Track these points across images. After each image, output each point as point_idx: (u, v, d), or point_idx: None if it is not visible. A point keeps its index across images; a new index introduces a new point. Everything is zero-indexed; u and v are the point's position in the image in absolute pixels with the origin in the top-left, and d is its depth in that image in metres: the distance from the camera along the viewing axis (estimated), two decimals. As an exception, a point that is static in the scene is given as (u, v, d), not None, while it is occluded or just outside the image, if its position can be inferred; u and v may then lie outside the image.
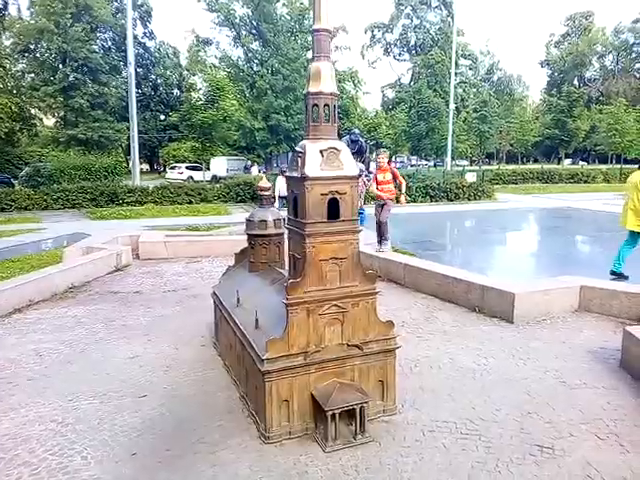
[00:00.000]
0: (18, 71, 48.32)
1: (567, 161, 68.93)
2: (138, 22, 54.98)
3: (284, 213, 4.35)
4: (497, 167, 54.20)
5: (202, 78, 45.97)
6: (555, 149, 65.03)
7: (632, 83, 70.03)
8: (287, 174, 4.04)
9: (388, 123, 56.09)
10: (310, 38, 3.95)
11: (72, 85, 44.45)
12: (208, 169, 37.64)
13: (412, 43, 68.30)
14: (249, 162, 47.07)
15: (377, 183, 9.41)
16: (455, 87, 47.97)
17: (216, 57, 53.39)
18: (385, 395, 4.03)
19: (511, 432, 3.79)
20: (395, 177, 9.58)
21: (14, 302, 6.90)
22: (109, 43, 52.58)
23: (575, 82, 75.62)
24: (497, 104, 56.18)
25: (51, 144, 45.21)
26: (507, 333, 5.92)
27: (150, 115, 55.68)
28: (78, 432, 3.83)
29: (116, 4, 50.86)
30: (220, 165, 40.39)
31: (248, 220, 5.22)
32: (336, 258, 3.74)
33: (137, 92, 38.14)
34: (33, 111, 48.62)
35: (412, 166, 62.01)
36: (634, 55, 72.48)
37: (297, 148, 3.85)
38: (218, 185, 25.95)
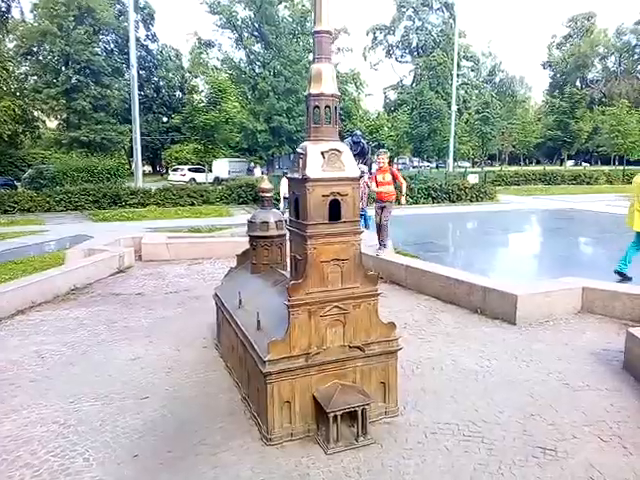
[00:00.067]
0: (21, 73, 48.45)
1: (569, 162, 68.78)
2: (140, 25, 55.13)
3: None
4: (499, 168, 54.14)
5: (204, 80, 46.11)
6: (557, 150, 64.85)
7: (634, 84, 69.89)
8: (288, 175, 4.04)
9: (390, 125, 56.04)
10: (312, 40, 3.95)
11: (75, 87, 44.56)
12: (210, 171, 37.67)
13: (414, 45, 68.30)
14: (252, 164, 47.12)
15: (377, 184, 9.36)
16: (457, 89, 47.92)
17: (218, 59, 53.47)
18: (387, 397, 4.03)
19: (514, 434, 3.77)
20: (395, 178, 9.49)
21: (16, 304, 6.91)
22: (112, 46, 52.70)
23: (577, 83, 75.46)
24: (499, 105, 56.15)
25: (54, 146, 45.32)
26: (509, 335, 5.91)
27: (152, 117, 55.77)
28: (80, 434, 3.83)
29: (119, 7, 50.97)
30: (222, 167, 40.41)
31: (250, 222, 5.22)
32: (338, 259, 3.74)
33: (139, 94, 38.19)
34: (36, 113, 48.76)
35: (414, 168, 62.01)
36: (636, 56, 72.33)
37: (298, 149, 3.86)
38: (220, 187, 25.97)
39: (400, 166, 61.62)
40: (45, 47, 45.88)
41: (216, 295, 5.46)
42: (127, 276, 9.18)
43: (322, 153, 3.70)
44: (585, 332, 5.94)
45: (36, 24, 45.01)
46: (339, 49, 57.14)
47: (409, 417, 4.04)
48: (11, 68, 43.93)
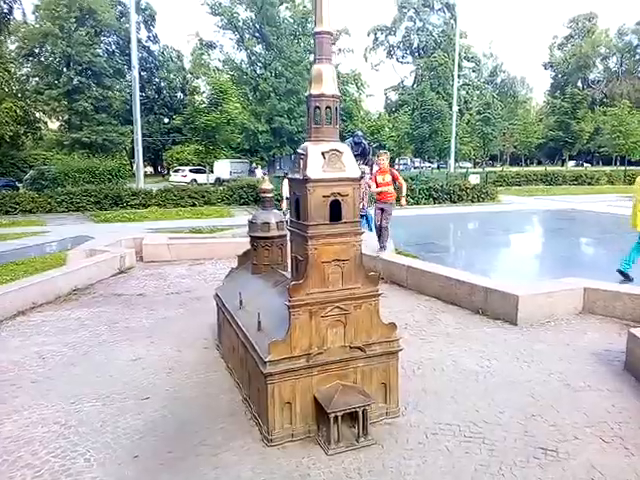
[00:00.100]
0: (23, 75, 48.60)
1: (571, 163, 68.75)
2: (142, 26, 55.28)
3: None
4: (501, 169, 54.12)
5: (205, 81, 46.23)
6: (559, 151, 64.83)
7: (636, 85, 69.83)
8: (289, 176, 4.04)
9: (391, 125, 56.13)
10: (313, 41, 3.95)
11: (76, 89, 44.66)
12: (211, 172, 37.74)
13: (415, 46, 68.32)
14: (254, 165, 47.18)
15: (376, 185, 9.30)
16: (458, 89, 47.92)
17: (219, 60, 53.53)
18: (388, 397, 4.02)
19: (515, 435, 3.77)
20: (395, 179, 9.41)
21: (18, 305, 6.92)
22: (113, 47, 52.85)
23: (579, 84, 75.43)
24: (500, 106, 56.19)
25: (55, 147, 45.44)
26: (511, 335, 5.90)
27: (154, 118, 55.88)
28: (81, 434, 3.84)
29: (120, 8, 51.10)
30: (223, 168, 40.47)
31: (251, 222, 5.22)
32: (338, 260, 3.73)
33: (141, 95, 38.23)
34: (38, 115, 48.96)
35: (415, 168, 62.00)
36: (638, 57, 72.31)
37: (299, 150, 3.86)
38: (221, 188, 26.01)
39: (401, 167, 61.61)
40: (47, 48, 46.03)
41: (217, 296, 5.47)
42: (128, 277, 9.18)
43: (323, 154, 3.70)
44: (586, 333, 5.93)
45: (38, 25, 45.18)
46: (340, 50, 57.22)
47: (410, 418, 4.03)
48: (13, 69, 44.10)
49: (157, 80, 58.93)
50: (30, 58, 47.60)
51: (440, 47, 62.93)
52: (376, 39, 70.03)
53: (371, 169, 13.37)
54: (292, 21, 50.51)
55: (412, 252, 11.02)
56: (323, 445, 3.63)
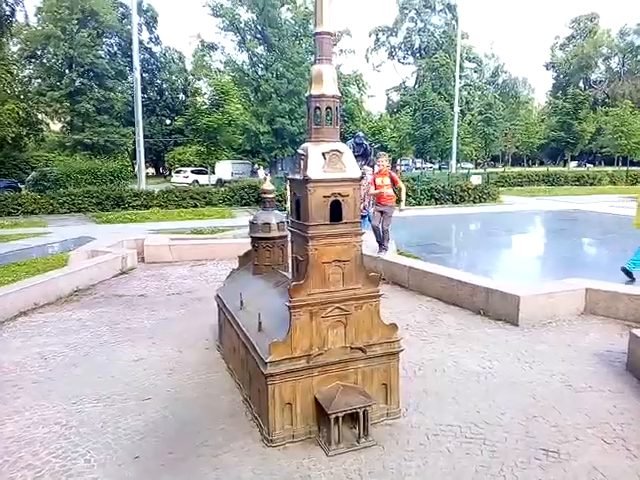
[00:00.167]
0: (25, 77, 48.80)
1: (573, 163, 68.65)
2: (144, 27, 55.45)
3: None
4: (502, 170, 54.06)
5: (207, 82, 46.29)
6: (561, 151, 64.78)
7: (638, 85, 69.68)
8: (290, 176, 4.04)
9: (393, 126, 56.14)
10: (313, 41, 3.95)
11: (78, 90, 44.81)
12: (213, 173, 37.77)
13: (416, 46, 68.28)
14: (256, 166, 47.22)
15: (375, 187, 9.09)
16: (460, 90, 47.88)
17: (221, 62, 53.61)
18: (389, 398, 4.01)
19: (516, 436, 3.76)
20: (394, 182, 9.17)
21: (19, 305, 6.93)
22: (115, 48, 53.02)
23: (581, 84, 75.35)
24: (502, 107, 56.11)
25: (57, 149, 45.59)
26: (512, 336, 5.88)
27: (156, 119, 56.01)
28: (82, 435, 3.84)
29: (122, 10, 51.26)
30: (225, 169, 40.52)
31: (252, 223, 5.22)
32: (339, 260, 3.73)
33: (143, 97, 38.30)
34: (40, 116, 49.07)
35: (417, 169, 61.98)
36: (640, 57, 72.21)
37: (299, 150, 3.86)
38: (223, 189, 26.02)
39: (403, 167, 61.58)
40: (49, 50, 46.22)
41: (218, 296, 5.47)
42: (130, 277, 9.19)
43: (323, 154, 3.70)
44: (588, 333, 5.91)
45: (40, 27, 45.37)
46: (342, 51, 57.25)
47: (411, 419, 4.03)
48: (15, 71, 44.22)
49: (159, 81, 59.09)
50: (32, 60, 47.80)
51: (442, 48, 62.91)
52: (377, 40, 70.04)
53: (373, 170, 13.36)
54: (293, 22, 50.55)
55: (414, 253, 11.02)
56: (324, 446, 3.63)
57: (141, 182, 25.57)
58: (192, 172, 41.30)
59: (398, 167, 58.87)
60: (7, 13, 30.35)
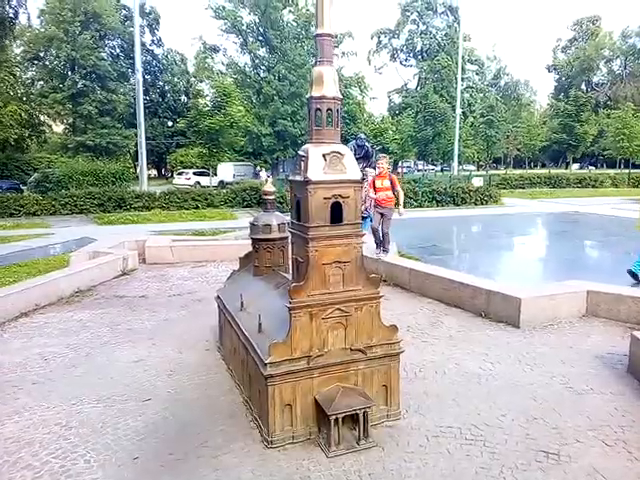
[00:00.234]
0: (28, 78, 48.94)
1: (575, 166, 68.59)
2: (146, 30, 55.51)
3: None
4: (504, 172, 54.01)
5: (209, 85, 46.26)
6: (563, 154, 64.73)
7: (640, 87, 69.59)
8: (290, 178, 4.04)
9: (395, 128, 56.09)
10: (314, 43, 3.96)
11: (81, 92, 44.93)
12: (215, 175, 37.80)
13: (418, 48, 68.22)
14: (258, 167, 47.26)
15: (375, 190, 8.93)
16: (462, 92, 47.89)
17: (223, 64, 53.68)
18: (389, 400, 4.01)
19: (516, 438, 3.75)
20: (393, 185, 8.97)
21: (20, 306, 6.94)
22: (117, 50, 53.14)
23: (583, 87, 75.26)
24: (504, 109, 56.13)
25: (60, 150, 45.67)
26: (513, 338, 5.87)
27: (158, 121, 56.08)
28: (81, 436, 3.84)
29: (124, 12, 51.41)
30: (227, 171, 40.59)
31: (252, 224, 5.23)
32: (339, 262, 3.73)
33: (145, 99, 38.43)
34: (42, 118, 49.24)
35: (419, 171, 61.97)
36: (642, 59, 72.06)
37: (300, 152, 3.86)
38: (225, 190, 26.07)
39: (405, 170, 61.60)
40: (51, 52, 46.36)
41: (218, 297, 5.47)
42: (131, 279, 9.20)
43: (324, 155, 3.70)
44: (590, 335, 5.90)
45: (43, 30, 45.50)
46: (344, 53, 57.23)
47: (411, 420, 4.02)
48: (18, 73, 44.38)
49: (161, 83, 59.18)
50: (35, 62, 47.94)
51: (443, 50, 62.85)
52: (379, 42, 70.03)
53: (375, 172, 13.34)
54: (295, 24, 50.65)
55: (415, 255, 11.01)
56: (324, 447, 3.62)
57: (143, 184, 25.59)
58: (194, 174, 41.34)
59: (400, 169, 58.94)
60: (10, 15, 30.44)
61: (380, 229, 9.06)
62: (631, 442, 3.68)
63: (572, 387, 4.58)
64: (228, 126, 31.14)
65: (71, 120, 47.95)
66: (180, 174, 43.40)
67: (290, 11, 51.26)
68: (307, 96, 3.87)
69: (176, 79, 59.10)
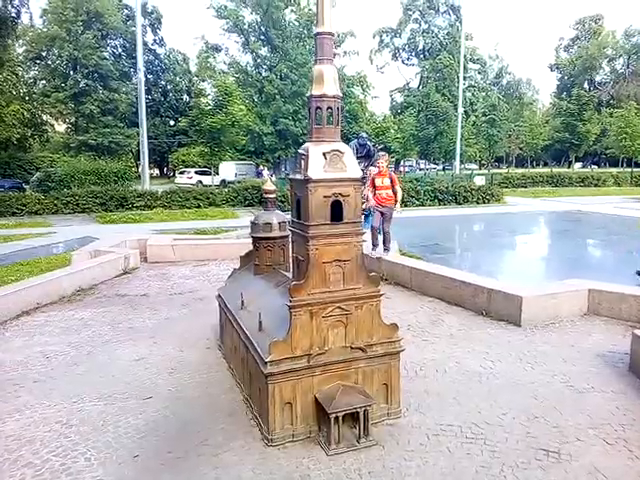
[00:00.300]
0: (30, 78, 49.00)
1: (577, 165, 68.39)
2: (148, 29, 55.55)
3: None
4: (506, 171, 53.88)
5: (211, 84, 46.28)
6: (565, 153, 64.52)
7: (643, 86, 69.30)
8: (291, 176, 4.04)
9: (396, 127, 55.99)
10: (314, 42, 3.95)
11: (83, 91, 44.96)
12: (217, 174, 37.80)
13: (420, 47, 68.07)
14: (261, 167, 47.26)
15: (375, 188, 8.83)
16: (464, 91, 47.78)
17: (225, 63, 53.67)
18: (389, 398, 4.01)
19: (517, 436, 3.74)
20: (393, 184, 8.84)
21: (22, 305, 6.96)
22: (119, 50, 53.14)
23: (585, 85, 74.98)
24: (506, 108, 55.96)
25: (62, 150, 45.70)
26: (514, 337, 5.86)
27: (160, 121, 56.11)
28: (82, 434, 3.84)
29: (127, 11, 51.41)
30: (229, 170, 40.56)
31: (253, 223, 5.23)
32: (340, 260, 3.73)
33: (147, 98, 38.43)
34: (45, 117, 49.29)
35: (421, 170, 61.87)
36: (645, 58, 71.77)
37: (300, 150, 3.86)
38: (226, 189, 26.06)
39: (407, 169, 61.51)
40: (54, 52, 46.40)
41: (219, 296, 5.47)
42: (132, 277, 9.21)
43: (324, 154, 3.70)
44: (591, 334, 5.89)
45: (45, 29, 45.54)
46: (346, 52, 57.13)
47: (412, 419, 4.01)
48: (20, 73, 44.44)
49: (163, 83, 59.21)
50: (37, 61, 48.00)
51: (445, 49, 62.70)
52: (381, 41, 69.90)
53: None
54: (297, 24, 50.61)
55: (416, 253, 11.00)
56: (324, 446, 3.62)
57: (145, 183, 25.62)
58: (196, 173, 41.37)
59: (402, 168, 58.87)
60: (13, 15, 30.48)
61: (381, 228, 9.03)
62: (632, 441, 3.67)
63: (573, 385, 4.57)
64: (230, 125, 31.16)
65: (73, 119, 48.00)
66: (182, 173, 43.42)
67: (292, 10, 51.22)
68: (307, 95, 3.87)
69: (178, 78, 59.13)
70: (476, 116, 55.78)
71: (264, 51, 50.54)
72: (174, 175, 51.19)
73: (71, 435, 3.82)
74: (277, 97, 46.08)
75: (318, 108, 3.78)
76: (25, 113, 41.86)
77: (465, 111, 48.94)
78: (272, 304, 4.20)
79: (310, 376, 3.71)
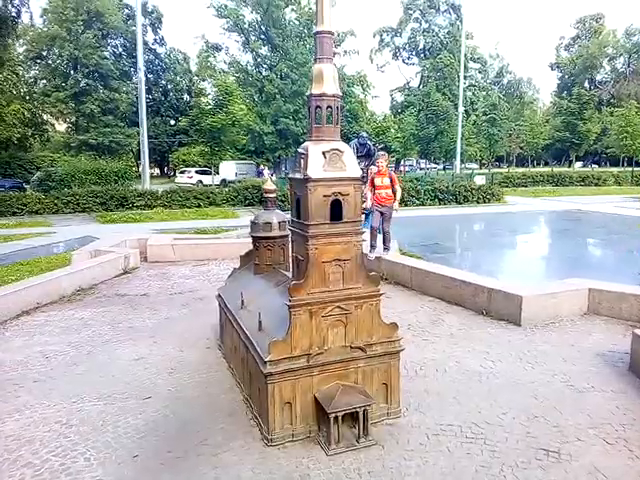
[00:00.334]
0: (30, 77, 49.02)
1: (578, 164, 68.30)
2: (149, 29, 55.53)
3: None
4: (507, 170, 53.82)
5: (211, 83, 46.28)
6: (566, 152, 64.41)
7: (644, 85, 69.20)
8: (290, 176, 4.03)
9: (397, 127, 55.94)
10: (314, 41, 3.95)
11: (83, 91, 44.96)
12: (217, 173, 37.79)
13: (421, 47, 68.02)
14: (262, 166, 47.25)
15: (375, 188, 8.78)
16: (464, 90, 47.74)
17: (225, 62, 53.64)
18: (389, 398, 4.00)
19: (517, 436, 3.74)
20: (393, 183, 8.80)
21: (22, 304, 6.95)
22: (120, 49, 53.14)
23: (586, 84, 74.88)
24: (507, 107, 55.87)
25: (63, 149, 45.71)
26: (514, 336, 5.86)
27: (160, 120, 56.08)
28: (81, 434, 3.84)
29: (127, 11, 51.41)
30: (229, 169, 40.54)
31: (253, 222, 5.22)
32: (339, 260, 3.72)
33: (147, 98, 38.47)
34: (45, 117, 49.30)
35: (421, 169, 61.82)
36: (646, 57, 71.66)
37: (300, 149, 3.85)
38: (227, 189, 26.05)
39: (407, 168, 61.46)
40: (54, 51, 46.40)
41: (219, 296, 5.47)
42: (132, 277, 9.21)
43: (323, 153, 3.70)
44: (591, 333, 5.88)
45: (45, 29, 45.54)
46: (346, 51, 57.08)
47: (411, 418, 4.01)
48: (21, 72, 44.44)
49: (163, 82, 59.19)
50: (38, 61, 48.00)
51: (446, 48, 62.64)
52: (382, 40, 69.84)
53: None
54: (298, 23, 50.59)
55: (417, 253, 10.99)
56: (323, 445, 3.62)
57: (145, 182, 25.61)
58: (196, 172, 41.34)
59: (402, 168, 58.82)
60: (13, 14, 30.47)
61: (381, 228, 8.99)
62: (632, 440, 3.67)
63: (573, 385, 4.56)
64: (230, 125, 31.14)
65: (74, 119, 48.01)
66: (182, 173, 43.40)
67: (292, 9, 51.20)
68: (307, 93, 3.86)
69: (178, 78, 59.10)
70: (477, 115, 55.70)
71: (264, 50, 50.53)
72: (174, 175, 51.19)
73: (71, 435, 3.82)
74: (277, 96, 46.05)
75: (318, 107, 3.78)
76: (26, 113, 41.88)
77: (465, 110, 48.88)
78: (272, 304, 4.20)
79: (310, 376, 3.71)
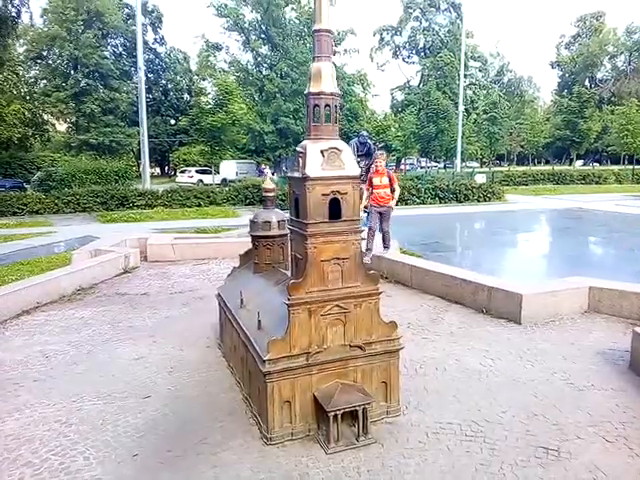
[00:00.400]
0: (31, 77, 49.05)
1: (579, 162, 68.25)
2: (149, 28, 55.50)
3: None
4: (507, 169, 53.77)
5: (212, 83, 46.29)
6: (566, 150, 64.35)
7: (645, 83, 69.07)
8: (289, 174, 4.03)
9: (397, 125, 55.89)
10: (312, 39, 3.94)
11: (84, 91, 44.98)
12: (218, 172, 37.80)
13: (421, 45, 67.97)
14: (262, 165, 47.25)
15: (373, 187, 8.69)
16: (464, 89, 47.74)
17: (225, 62, 53.64)
18: (388, 396, 4.00)
19: (517, 434, 3.73)
20: (391, 182, 8.74)
21: (22, 304, 6.96)
22: (120, 49, 53.14)
23: (586, 83, 74.77)
24: (507, 106, 55.78)
25: (63, 149, 45.73)
26: (514, 334, 5.85)
27: (160, 120, 56.08)
28: (81, 433, 3.84)
29: (127, 10, 51.40)
30: (229, 168, 40.55)
31: (252, 221, 5.22)
32: (338, 258, 3.72)
33: (147, 97, 38.46)
34: (46, 117, 49.34)
35: (422, 168, 61.78)
36: (646, 55, 71.52)
37: (298, 148, 3.85)
38: (227, 188, 26.05)
39: (408, 167, 61.43)
40: (54, 51, 46.42)
41: (219, 295, 5.47)
42: (132, 276, 9.21)
43: (322, 152, 3.69)
44: (591, 332, 5.87)
45: (45, 29, 45.55)
46: (346, 50, 57.04)
47: (411, 417, 4.01)
48: (21, 72, 44.47)
49: (164, 82, 59.19)
50: (38, 61, 48.01)
51: (446, 47, 62.58)
52: (382, 39, 69.78)
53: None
54: (298, 22, 50.57)
55: (417, 251, 10.98)
56: (323, 444, 3.62)
57: (146, 182, 25.63)
58: (197, 172, 41.33)
59: (403, 166, 58.80)
60: (13, 14, 30.47)
61: (379, 228, 8.91)
62: (632, 438, 3.67)
63: (573, 383, 4.56)
64: (230, 124, 31.15)
65: (74, 119, 48.01)
66: (183, 172, 43.40)
67: (292, 9, 51.19)
68: (305, 92, 3.85)
69: (179, 77, 59.10)
70: (477, 114, 55.63)
71: (264, 49, 50.51)
72: (175, 174, 51.19)
73: (70, 434, 3.82)
74: (277, 96, 46.05)
75: (316, 106, 3.77)
76: (26, 113, 41.94)
77: (466, 109, 48.86)
78: (271, 302, 4.20)
79: (309, 374, 3.71)
